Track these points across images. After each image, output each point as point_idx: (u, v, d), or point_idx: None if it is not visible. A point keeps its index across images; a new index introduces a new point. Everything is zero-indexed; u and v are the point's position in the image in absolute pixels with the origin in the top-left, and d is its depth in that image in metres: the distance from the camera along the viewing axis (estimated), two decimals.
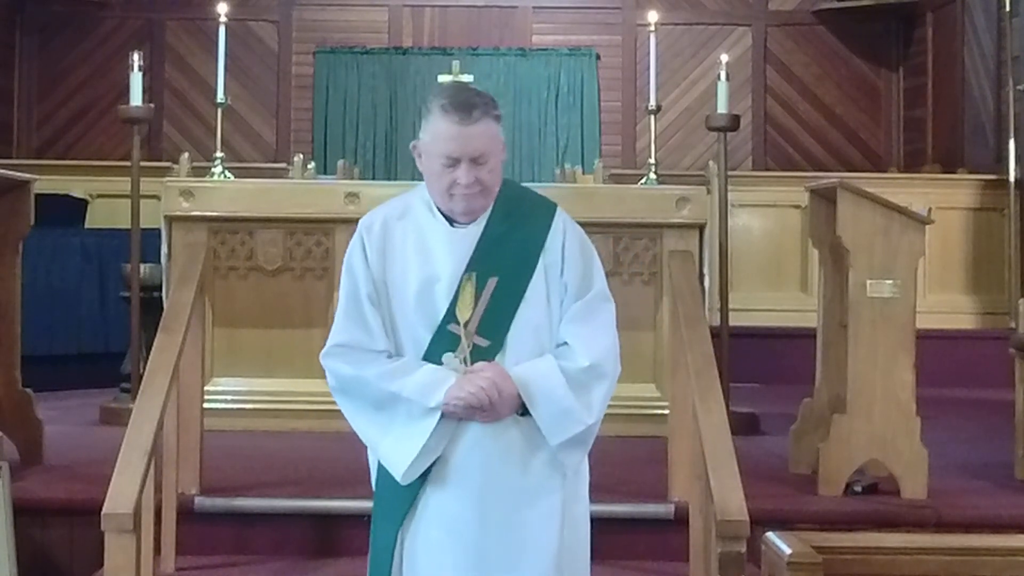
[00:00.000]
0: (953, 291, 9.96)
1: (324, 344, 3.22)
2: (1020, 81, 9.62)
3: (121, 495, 3.88)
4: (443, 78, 11.16)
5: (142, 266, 6.97)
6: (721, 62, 7.27)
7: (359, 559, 4.98)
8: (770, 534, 3.22)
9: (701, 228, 6.72)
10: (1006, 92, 9.95)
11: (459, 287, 3.04)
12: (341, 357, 3.11)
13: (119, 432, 4.34)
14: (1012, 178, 9.75)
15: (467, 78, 11.11)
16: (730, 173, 7.58)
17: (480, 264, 3.05)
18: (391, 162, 12.36)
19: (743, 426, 6.52)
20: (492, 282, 3.04)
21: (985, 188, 10.07)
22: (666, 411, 5.42)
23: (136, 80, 6.93)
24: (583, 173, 10.75)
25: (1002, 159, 9.95)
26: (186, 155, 9.31)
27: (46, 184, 6.97)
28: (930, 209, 9.38)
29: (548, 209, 3.16)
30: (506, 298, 3.04)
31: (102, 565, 3.89)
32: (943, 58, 11.50)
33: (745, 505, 3.91)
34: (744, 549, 3.79)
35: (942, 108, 11.48)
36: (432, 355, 3.05)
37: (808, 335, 6.09)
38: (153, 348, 4.75)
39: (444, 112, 3.03)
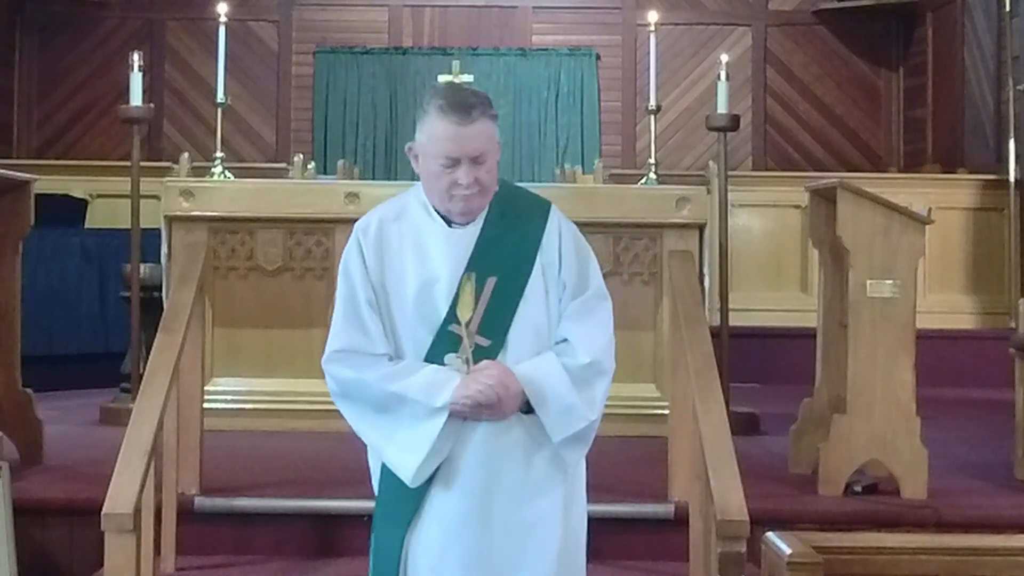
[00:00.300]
0: (953, 291, 9.96)
1: (324, 347, 3.20)
2: (1020, 81, 9.62)
3: (121, 495, 3.89)
4: (443, 78, 11.16)
5: (142, 266, 6.97)
6: (721, 62, 7.27)
7: (359, 559, 4.99)
8: (770, 534, 3.22)
9: (701, 228, 6.72)
10: (1006, 92, 9.95)
11: (459, 288, 3.04)
12: (341, 362, 3.10)
13: (119, 432, 4.34)
14: (1012, 178, 9.76)
15: (467, 78, 11.10)
16: (730, 173, 7.58)
17: (479, 264, 3.05)
18: (391, 162, 12.35)
19: (743, 426, 6.52)
20: (491, 282, 3.04)
21: (985, 188, 10.07)
22: (666, 411, 5.42)
23: (136, 80, 6.93)
24: (583, 173, 10.75)
25: (1002, 159, 9.95)
26: (186, 155, 9.30)
27: (46, 184, 6.97)
28: (930, 209, 9.38)
29: (543, 208, 3.17)
30: (506, 297, 3.05)
31: (102, 565, 3.89)
32: (943, 58, 11.49)
33: (745, 505, 3.91)
34: (744, 549, 3.79)
35: (942, 108, 11.48)
36: (434, 356, 3.05)
37: (808, 335, 6.09)
38: (153, 348, 4.75)
39: (442, 113, 3.04)
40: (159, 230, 6.84)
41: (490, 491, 3.05)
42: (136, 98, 6.90)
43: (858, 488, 5.24)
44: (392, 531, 3.08)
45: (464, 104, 3.04)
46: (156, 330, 4.89)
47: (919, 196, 9.62)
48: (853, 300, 5.22)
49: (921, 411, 5.26)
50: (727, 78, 7.19)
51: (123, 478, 3.97)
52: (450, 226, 3.10)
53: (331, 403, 6.37)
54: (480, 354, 3.04)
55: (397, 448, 3.05)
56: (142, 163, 7.20)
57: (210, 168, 7.28)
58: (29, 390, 5.82)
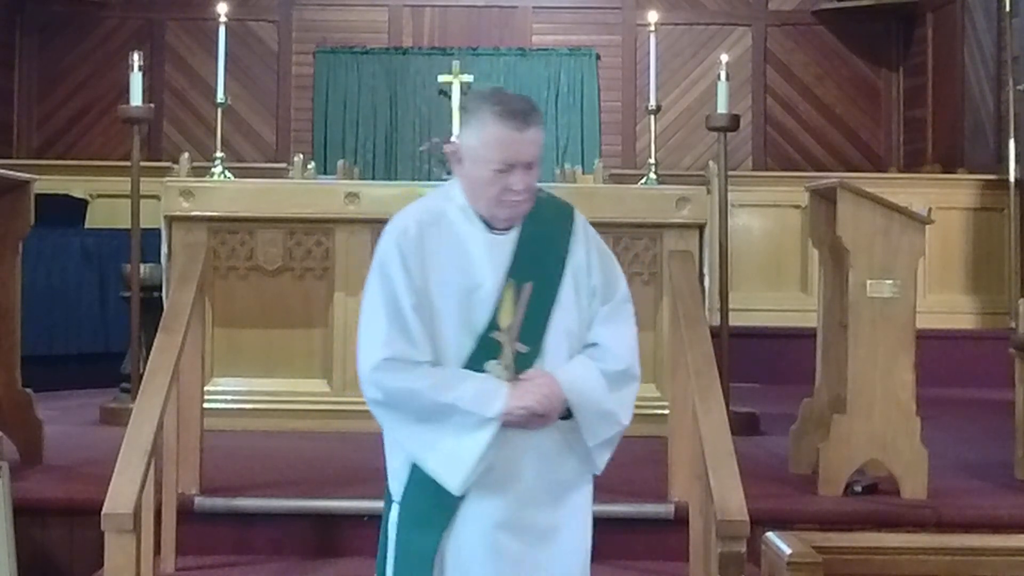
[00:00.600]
0: (953, 291, 9.96)
1: (362, 354, 3.11)
2: (1020, 81, 9.62)
3: (121, 495, 3.88)
4: (443, 78, 11.17)
5: (142, 266, 6.97)
6: (721, 62, 7.27)
7: (359, 559, 4.99)
8: (770, 534, 3.22)
9: (701, 228, 6.72)
10: (1006, 92, 9.95)
11: (501, 294, 3.04)
12: (390, 371, 3.01)
13: (119, 432, 4.34)
14: (1012, 178, 9.76)
15: (467, 78, 11.12)
16: (730, 173, 7.58)
17: (518, 270, 3.05)
18: (391, 162, 12.35)
19: (743, 426, 6.52)
20: (528, 288, 3.03)
21: (985, 188, 10.07)
22: (666, 411, 5.42)
23: (136, 80, 6.93)
24: (583, 173, 10.75)
25: (1002, 159, 9.95)
26: (186, 155, 9.31)
27: (46, 184, 6.97)
28: (930, 209, 9.38)
29: (567, 212, 3.19)
30: (541, 303, 3.05)
31: (102, 565, 3.89)
32: (943, 58, 11.49)
33: (745, 505, 3.91)
34: (744, 549, 3.79)
35: (942, 108, 11.48)
36: (474, 363, 3.03)
37: (808, 335, 6.09)
38: (153, 348, 4.75)
39: (500, 119, 2.99)
40: (159, 230, 6.84)
41: (525, 495, 3.05)
42: (136, 98, 6.90)
43: (858, 488, 5.24)
44: (426, 535, 3.03)
45: (521, 111, 3.01)
46: (156, 330, 4.88)
47: (919, 196, 9.62)
48: (853, 300, 5.22)
49: (921, 411, 5.26)
50: (727, 78, 7.19)
51: (123, 478, 3.97)
52: (490, 231, 3.09)
53: (331, 403, 6.35)
54: (520, 361, 3.03)
55: (443, 457, 3.00)
56: (142, 163, 7.20)
57: (210, 168, 7.29)
58: (29, 390, 5.82)
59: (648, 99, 7.82)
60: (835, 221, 5.29)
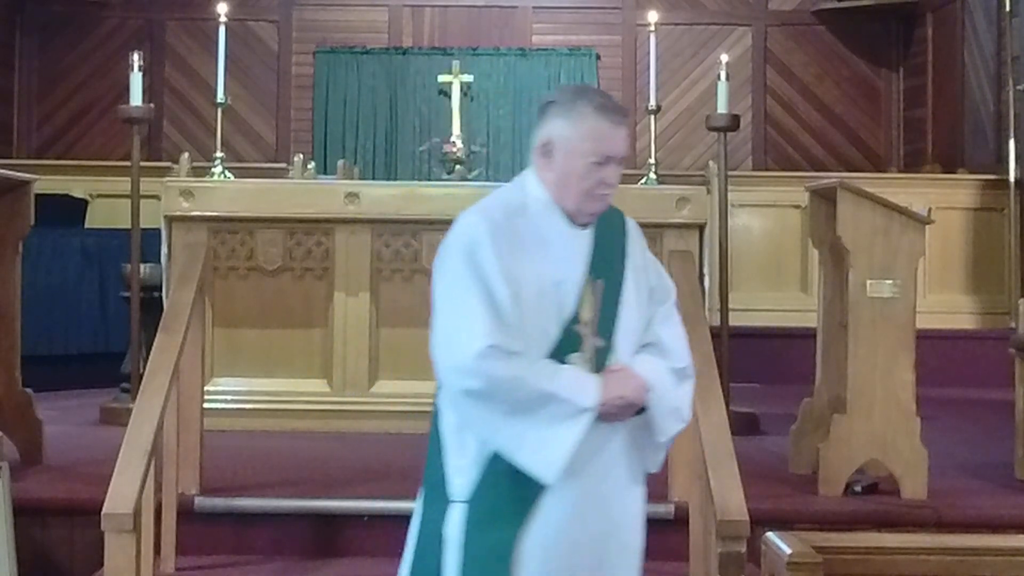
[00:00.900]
0: (953, 291, 9.96)
1: (444, 347, 3.02)
2: (1020, 81, 9.62)
3: (121, 495, 3.89)
4: (443, 78, 11.17)
5: (142, 266, 6.97)
6: (721, 62, 7.27)
7: (359, 559, 4.99)
8: (770, 534, 3.22)
9: (701, 228, 6.72)
10: (1006, 92, 9.95)
11: (583, 288, 3.05)
12: (496, 358, 2.93)
13: (119, 432, 4.35)
14: (1012, 178, 9.76)
15: (467, 78, 11.11)
16: (730, 173, 7.58)
17: (595, 266, 3.08)
18: (391, 162, 12.35)
19: (743, 426, 6.52)
20: (600, 284, 3.06)
21: (985, 188, 10.08)
22: None
23: (136, 80, 6.93)
24: None
25: (1002, 159, 9.95)
26: (186, 155, 9.31)
27: (46, 184, 6.97)
28: (930, 209, 9.38)
29: (620, 213, 3.23)
30: (611, 300, 3.08)
31: (102, 565, 3.89)
32: (943, 58, 11.49)
33: (745, 505, 3.91)
34: (744, 549, 3.79)
35: (942, 108, 11.48)
36: (557, 355, 3.02)
37: (808, 335, 6.09)
38: (153, 348, 4.75)
39: (600, 113, 3.03)
40: (159, 230, 6.84)
41: (596, 489, 3.05)
42: (136, 98, 6.90)
43: (858, 488, 5.25)
44: (502, 532, 2.99)
45: (616, 106, 3.07)
46: (156, 330, 4.89)
47: (919, 196, 9.62)
48: (853, 300, 5.22)
49: (921, 411, 5.26)
50: (727, 78, 7.19)
51: (123, 478, 3.97)
52: (570, 226, 3.10)
53: (331, 403, 6.35)
54: (599, 355, 3.05)
55: (537, 447, 2.96)
56: (142, 163, 7.20)
57: (210, 168, 7.28)
58: (29, 390, 5.82)
59: (648, 99, 7.82)
60: (835, 221, 5.29)
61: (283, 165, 10.69)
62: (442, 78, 11.21)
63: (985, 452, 6.32)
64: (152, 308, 6.73)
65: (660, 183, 7.43)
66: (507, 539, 2.98)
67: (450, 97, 10.87)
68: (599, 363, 3.04)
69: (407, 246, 6.92)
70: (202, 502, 5.07)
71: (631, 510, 3.12)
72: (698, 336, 4.84)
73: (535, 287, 3.01)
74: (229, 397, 6.74)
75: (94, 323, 8.70)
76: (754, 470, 5.23)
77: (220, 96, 7.34)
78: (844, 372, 5.29)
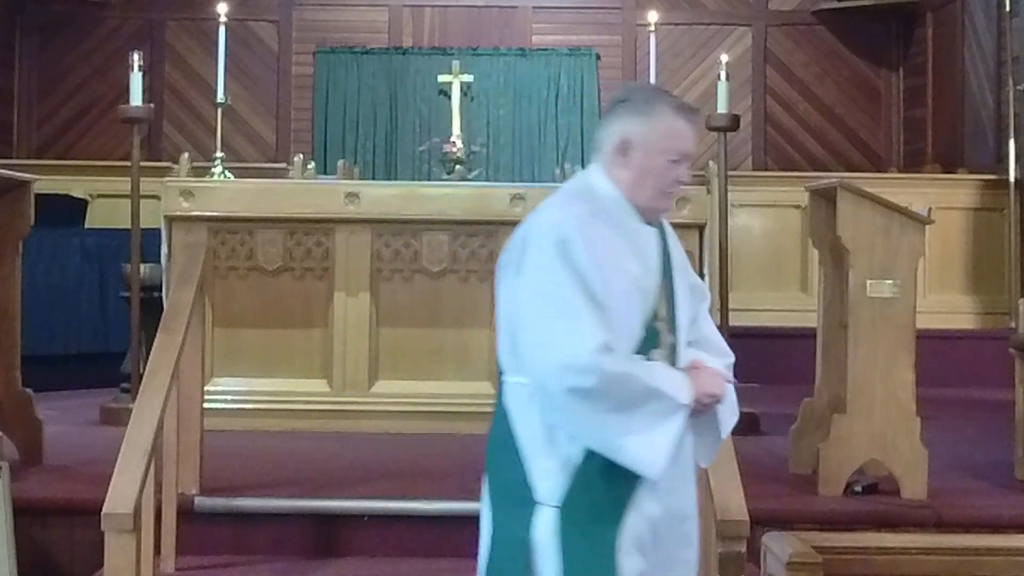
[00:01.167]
0: (953, 291, 9.96)
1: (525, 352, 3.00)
2: (1020, 81, 9.62)
3: (121, 495, 3.89)
4: (443, 78, 11.18)
5: (142, 266, 6.97)
6: (721, 62, 7.27)
7: (359, 559, 5.00)
8: (770, 534, 3.22)
9: (701, 228, 6.72)
10: (1006, 92, 9.95)
11: (660, 285, 3.08)
12: (608, 355, 2.92)
13: (119, 432, 4.35)
14: (1012, 178, 9.75)
15: (467, 78, 11.12)
16: (730, 173, 7.58)
17: (666, 263, 3.13)
18: (391, 162, 12.35)
19: (743, 426, 6.47)
20: (668, 281, 3.12)
21: (985, 188, 10.07)
22: None
23: (136, 80, 6.93)
24: None
25: (1002, 159, 9.95)
26: (186, 155, 9.30)
27: (46, 184, 6.97)
28: (930, 209, 9.38)
29: None
30: (671, 297, 3.13)
31: (102, 565, 3.89)
32: (943, 58, 11.49)
33: (745, 505, 3.91)
34: (744, 549, 3.79)
35: (942, 108, 11.48)
36: (640, 352, 3.03)
37: (808, 335, 6.09)
38: (153, 348, 4.75)
39: (678, 111, 3.07)
40: (159, 230, 6.84)
41: (674, 485, 3.06)
42: (136, 98, 6.90)
43: (858, 488, 5.24)
44: (601, 532, 2.97)
45: (691, 106, 3.13)
46: (156, 330, 4.89)
47: (919, 196, 9.62)
48: (853, 300, 5.22)
49: (921, 411, 5.26)
50: (727, 78, 7.19)
51: (123, 478, 3.97)
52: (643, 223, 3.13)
53: (331, 403, 6.33)
54: (672, 352, 3.09)
55: (639, 443, 2.95)
56: (142, 163, 7.20)
57: (210, 168, 7.29)
58: (29, 390, 5.82)
59: None
60: (835, 221, 5.29)
61: (283, 165, 10.69)
62: (442, 78, 11.23)
63: (985, 452, 6.32)
64: (152, 308, 6.73)
65: None
66: (609, 539, 2.96)
67: (450, 97, 10.89)
68: (671, 360, 3.07)
69: (407, 246, 6.93)
70: (202, 502, 5.06)
71: (694, 504, 3.16)
72: None
73: (623, 284, 3.00)
74: (229, 397, 6.74)
75: (94, 323, 8.70)
76: (754, 470, 5.22)
77: (220, 96, 7.35)
78: (844, 372, 5.29)
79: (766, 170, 12.10)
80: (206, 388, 5.67)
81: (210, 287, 6.36)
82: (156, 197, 7.18)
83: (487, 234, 6.92)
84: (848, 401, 5.23)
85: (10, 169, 6.08)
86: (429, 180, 10.50)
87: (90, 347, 8.64)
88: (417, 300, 6.92)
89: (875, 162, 12.38)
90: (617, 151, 3.08)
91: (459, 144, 9.63)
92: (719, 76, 7.19)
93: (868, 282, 5.21)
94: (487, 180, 10.66)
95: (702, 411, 3.06)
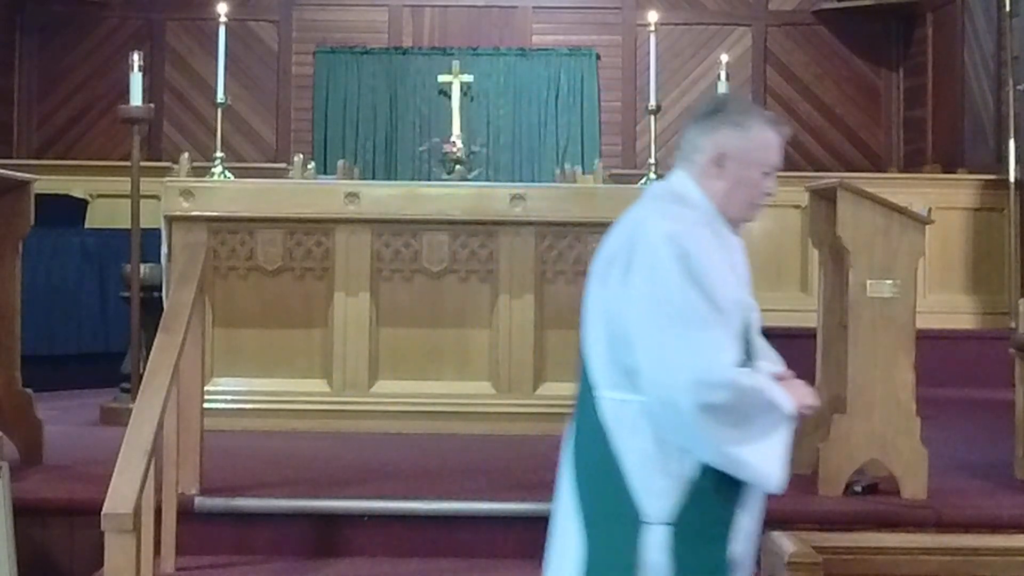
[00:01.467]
0: (953, 291, 9.95)
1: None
2: (1020, 81, 9.61)
3: (121, 495, 3.88)
4: (443, 78, 11.18)
5: (142, 266, 6.97)
6: (721, 62, 7.28)
7: (359, 559, 5.00)
8: (770, 534, 3.22)
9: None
10: (1006, 92, 9.95)
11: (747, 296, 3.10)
12: (739, 369, 2.94)
13: (119, 432, 4.34)
14: (1012, 178, 9.75)
15: (467, 78, 11.12)
16: None
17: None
18: (391, 162, 12.35)
19: None
20: None
21: (985, 188, 10.07)
22: None
23: (136, 80, 6.93)
24: (583, 173, 10.74)
25: (1002, 159, 9.95)
26: (186, 155, 9.29)
27: (46, 184, 6.97)
28: (930, 209, 9.37)
29: None
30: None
31: (102, 565, 3.89)
32: (943, 58, 11.49)
33: None
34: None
35: (942, 108, 11.47)
36: (744, 363, 3.03)
37: (808, 335, 6.09)
38: (153, 348, 4.75)
39: (771, 123, 3.10)
40: (159, 230, 6.84)
41: (758, 503, 3.08)
42: (136, 98, 6.90)
43: (858, 488, 5.24)
44: (716, 549, 2.96)
45: (779, 119, 3.15)
46: (156, 330, 4.88)
47: (919, 196, 9.61)
48: (853, 300, 5.22)
49: (921, 411, 5.26)
50: (727, 78, 7.19)
51: (123, 478, 3.96)
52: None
53: (331, 403, 6.30)
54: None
55: (763, 457, 2.97)
56: (142, 163, 7.20)
57: (210, 168, 7.29)
58: (29, 390, 5.82)
59: (648, 99, 7.82)
60: (835, 221, 5.28)
61: (283, 165, 10.68)
62: (442, 78, 11.23)
63: (985, 452, 6.32)
64: (152, 308, 6.73)
65: None
66: (720, 556, 2.96)
67: (450, 97, 10.89)
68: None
69: (407, 246, 6.93)
70: (202, 502, 5.07)
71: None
72: None
73: (732, 295, 3.01)
74: (229, 397, 6.74)
75: (94, 323, 8.70)
76: None
77: (220, 96, 7.35)
78: (844, 372, 5.29)
79: None
80: (206, 388, 5.67)
81: (210, 287, 6.36)
82: (156, 197, 7.18)
83: (487, 234, 6.92)
84: (848, 401, 5.23)
85: (10, 169, 6.08)
86: (429, 180, 10.49)
87: (90, 347, 8.64)
88: (417, 300, 6.93)
89: (875, 162, 12.38)
90: (712, 162, 3.07)
91: (459, 144, 9.63)
92: (719, 76, 7.21)
93: (868, 282, 5.21)
94: (487, 180, 10.67)
95: (798, 422, 3.04)
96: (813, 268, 8.18)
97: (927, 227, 5.36)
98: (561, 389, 6.84)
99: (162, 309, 5.22)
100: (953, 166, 10.82)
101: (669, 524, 2.92)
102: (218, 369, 6.77)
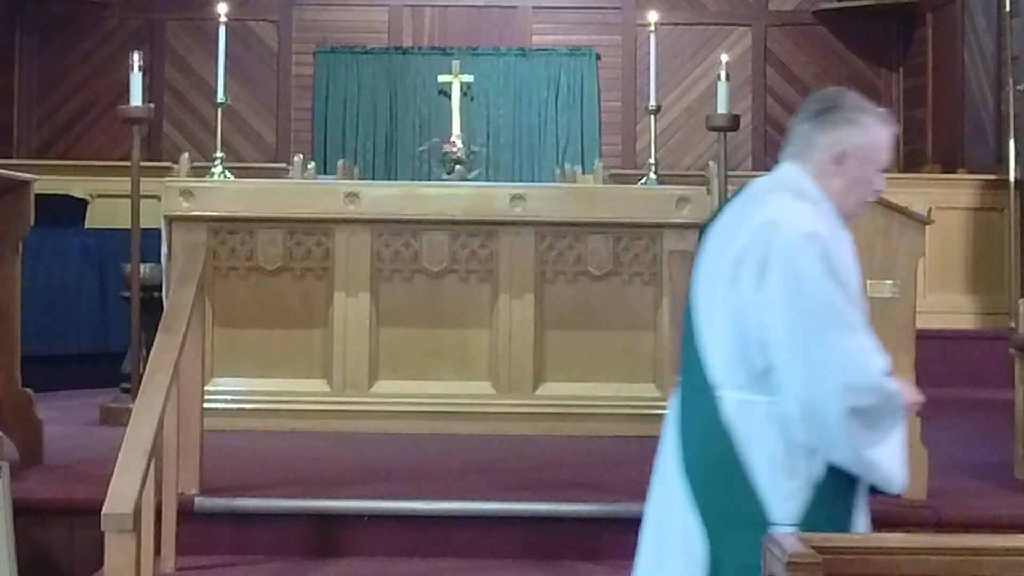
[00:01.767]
0: (953, 291, 9.95)
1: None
2: (1020, 81, 9.62)
3: (121, 495, 3.88)
4: (443, 78, 11.18)
5: (142, 266, 6.97)
6: (721, 62, 7.27)
7: (359, 559, 5.00)
8: (770, 534, 3.20)
9: (701, 228, 6.72)
10: (1006, 92, 9.95)
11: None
12: (887, 373, 2.94)
13: (119, 432, 4.34)
14: (1012, 178, 9.75)
15: (467, 78, 11.12)
16: (730, 173, 7.57)
17: None
18: (391, 162, 12.35)
19: None
20: None
21: (985, 188, 10.07)
22: (666, 411, 5.41)
23: (136, 80, 6.93)
24: (583, 173, 10.76)
25: (1002, 159, 9.95)
26: (186, 155, 9.30)
27: (46, 184, 6.97)
28: (930, 209, 9.37)
29: None
30: None
31: (102, 565, 3.89)
32: (943, 58, 11.49)
33: None
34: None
35: (942, 108, 11.48)
36: None
37: None
38: (153, 348, 4.75)
39: (883, 121, 3.12)
40: (159, 230, 6.84)
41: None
42: (136, 98, 6.90)
43: None
44: None
45: (888, 115, 3.16)
46: (156, 330, 4.88)
47: (919, 196, 9.61)
48: None
49: (921, 411, 5.25)
50: (727, 78, 7.19)
51: (123, 478, 3.96)
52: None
53: (331, 403, 6.31)
54: None
55: (889, 459, 2.96)
56: (142, 163, 7.20)
57: (210, 168, 7.29)
58: (29, 390, 5.82)
59: (648, 99, 7.82)
60: None
61: (283, 165, 10.69)
62: (442, 78, 11.23)
63: (985, 452, 6.32)
64: (152, 308, 6.73)
65: (660, 183, 7.43)
66: None
67: (450, 97, 10.89)
68: None
69: (407, 246, 6.93)
70: (202, 502, 5.06)
71: None
72: None
73: (861, 294, 3.01)
74: (229, 397, 6.74)
75: (94, 323, 8.70)
76: None
77: (220, 96, 7.35)
78: None
79: (766, 170, 11.89)
80: (206, 388, 5.67)
81: (210, 287, 6.36)
82: (156, 197, 7.18)
83: (487, 234, 6.92)
84: None
85: (10, 169, 6.08)
86: (429, 180, 10.50)
87: (90, 347, 8.64)
88: (417, 300, 6.93)
89: None
90: (832, 159, 3.06)
91: (459, 144, 9.63)
92: (719, 76, 7.20)
93: (868, 282, 5.20)
94: (487, 180, 10.67)
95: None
96: None
97: (927, 227, 5.36)
98: (561, 389, 6.85)
99: (162, 309, 5.22)
100: (953, 166, 10.82)
101: (796, 526, 2.91)
102: (218, 369, 6.76)
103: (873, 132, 3.08)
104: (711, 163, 9.55)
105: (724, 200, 7.16)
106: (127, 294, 7.07)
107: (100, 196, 10.26)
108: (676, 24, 12.29)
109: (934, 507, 5.07)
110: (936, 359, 8.03)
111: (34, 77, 12.30)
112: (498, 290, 6.91)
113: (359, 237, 6.89)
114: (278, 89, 12.52)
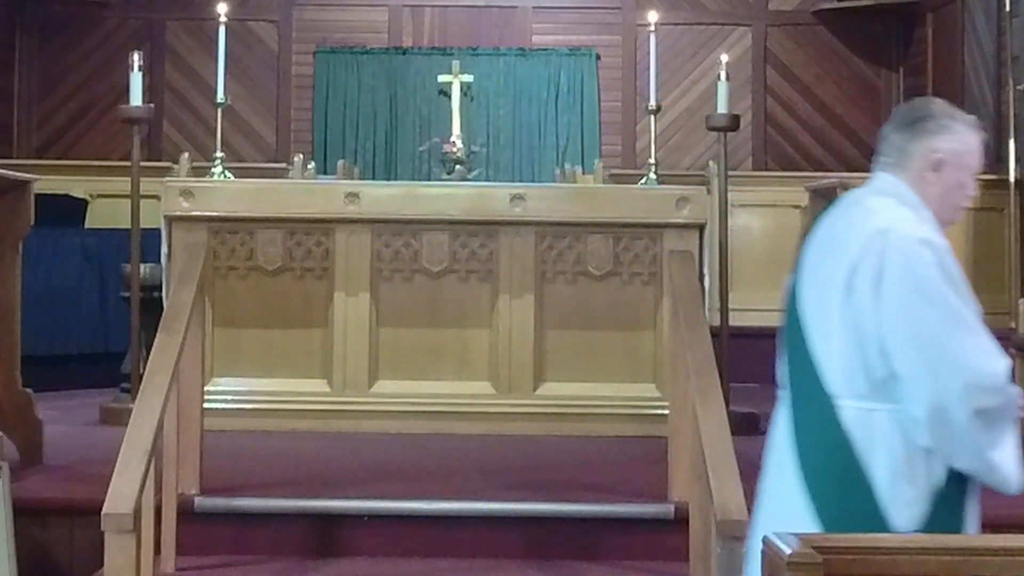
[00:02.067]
0: None
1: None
2: (1020, 81, 9.61)
3: (121, 495, 3.89)
4: (443, 78, 11.19)
5: (142, 266, 6.97)
6: (721, 62, 7.28)
7: (359, 559, 5.00)
8: (770, 534, 3.21)
9: (701, 228, 6.73)
10: (1006, 92, 9.95)
11: None
12: (1008, 378, 2.98)
13: (119, 432, 4.35)
14: (1012, 178, 9.74)
15: (467, 78, 11.13)
16: (730, 173, 7.58)
17: None
18: (391, 162, 12.35)
19: (743, 426, 6.52)
20: None
21: (985, 188, 9.94)
22: (666, 411, 5.42)
23: (136, 80, 6.93)
24: (583, 173, 10.76)
25: (1002, 159, 9.94)
26: (186, 155, 9.31)
27: (46, 184, 6.97)
28: None
29: None
30: None
31: (102, 565, 3.89)
32: (943, 58, 11.49)
33: (745, 505, 3.91)
34: (744, 549, 3.78)
35: None
36: None
37: None
38: (153, 348, 4.75)
39: (975, 128, 3.14)
40: (159, 230, 6.84)
41: None
42: (136, 98, 6.90)
43: None
44: None
45: (978, 121, 3.19)
46: (156, 330, 4.89)
47: None
48: None
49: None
50: (727, 78, 7.19)
51: (123, 478, 3.97)
52: None
53: (331, 403, 6.35)
54: None
55: (1008, 460, 2.99)
56: (142, 163, 7.21)
57: (210, 168, 7.29)
58: (29, 390, 5.82)
59: (648, 99, 7.82)
60: None
61: (283, 165, 10.69)
62: (442, 78, 11.24)
63: None
64: (152, 308, 6.73)
65: (660, 183, 7.43)
66: None
67: (450, 97, 10.90)
68: None
69: (407, 246, 6.93)
70: (202, 502, 5.07)
71: None
72: (698, 336, 4.84)
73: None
74: (229, 397, 6.74)
75: (94, 323, 8.70)
76: (754, 470, 5.21)
77: (220, 96, 7.35)
78: None
79: (766, 170, 12.10)
80: (206, 388, 5.67)
81: (210, 287, 6.36)
82: (156, 197, 7.18)
83: (487, 234, 6.92)
84: None
85: (10, 169, 6.08)
86: (429, 180, 10.50)
87: (90, 347, 8.64)
88: (417, 300, 6.93)
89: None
90: (930, 167, 3.09)
91: (459, 144, 9.64)
92: (719, 76, 7.20)
93: None
94: (487, 180, 10.67)
95: None
96: None
97: None
98: (561, 389, 6.85)
99: (162, 309, 5.23)
100: None
101: (917, 532, 2.94)
102: (218, 369, 6.77)
103: (966, 138, 3.12)
104: (711, 163, 9.56)
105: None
106: (127, 294, 7.07)
107: (100, 196, 10.26)
108: (676, 24, 12.29)
109: None
110: None
111: (34, 77, 12.29)
112: (498, 290, 6.91)
113: (359, 237, 6.89)
114: (278, 89, 12.51)
